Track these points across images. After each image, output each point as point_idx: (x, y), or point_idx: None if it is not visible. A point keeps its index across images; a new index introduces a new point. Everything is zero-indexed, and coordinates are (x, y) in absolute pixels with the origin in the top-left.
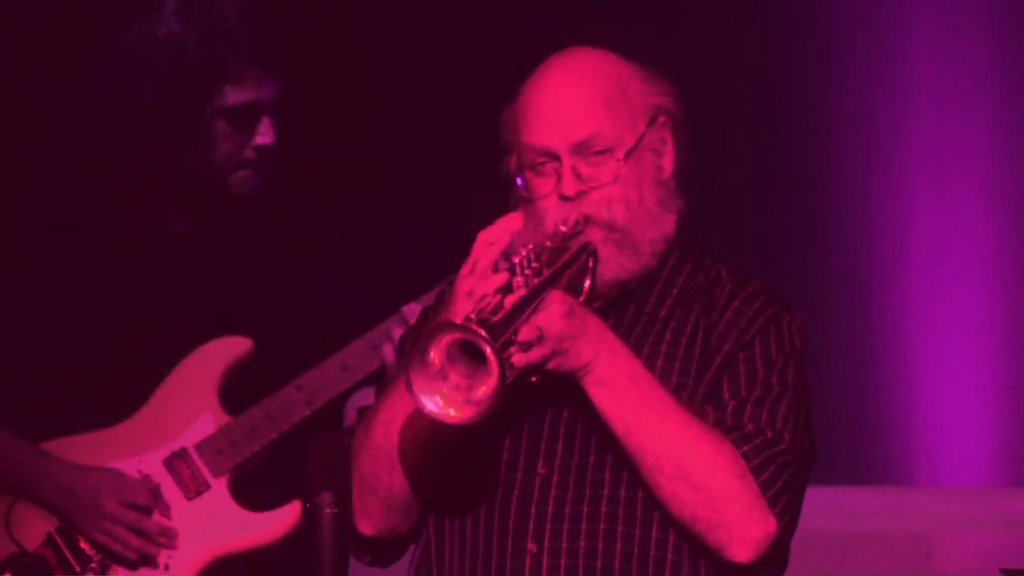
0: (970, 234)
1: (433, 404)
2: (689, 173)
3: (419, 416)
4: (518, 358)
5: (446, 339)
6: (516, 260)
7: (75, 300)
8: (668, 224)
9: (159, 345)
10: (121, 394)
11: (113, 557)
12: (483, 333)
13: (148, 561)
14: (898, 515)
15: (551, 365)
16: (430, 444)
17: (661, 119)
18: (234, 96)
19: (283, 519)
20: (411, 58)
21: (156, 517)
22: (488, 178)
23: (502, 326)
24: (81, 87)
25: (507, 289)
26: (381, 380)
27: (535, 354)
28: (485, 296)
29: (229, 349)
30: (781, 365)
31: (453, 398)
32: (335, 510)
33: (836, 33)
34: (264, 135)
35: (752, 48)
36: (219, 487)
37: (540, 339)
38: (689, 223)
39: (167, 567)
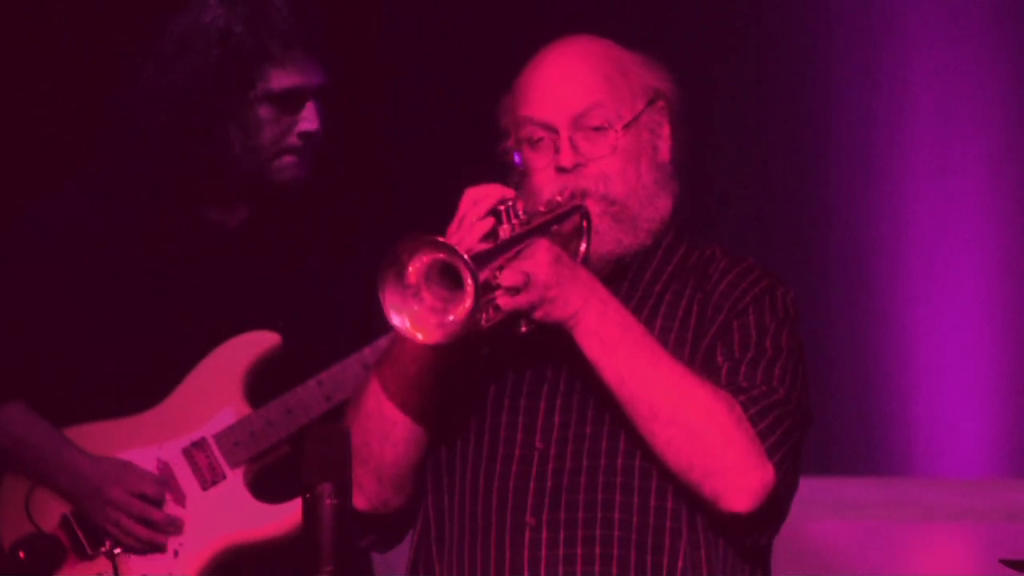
0: (969, 226)
1: (401, 321)
2: (685, 160)
3: (410, 385)
4: (504, 301)
5: (427, 257)
6: (503, 208)
7: (112, 291)
8: (664, 205)
9: (191, 336)
10: (150, 383)
11: (120, 545)
12: (465, 257)
13: (158, 547)
14: (897, 506)
15: (539, 314)
16: (420, 413)
17: (659, 103)
18: (279, 80)
19: (293, 512)
20: (425, 53)
21: (168, 506)
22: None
23: (485, 258)
24: (130, 77)
25: (494, 237)
26: None
27: (522, 299)
28: (473, 242)
29: (256, 343)
30: (774, 330)
31: (424, 319)
32: (335, 501)
33: (837, 21)
34: (308, 121)
35: (752, 34)
36: (235, 478)
37: (527, 285)
38: (685, 208)
39: (177, 554)
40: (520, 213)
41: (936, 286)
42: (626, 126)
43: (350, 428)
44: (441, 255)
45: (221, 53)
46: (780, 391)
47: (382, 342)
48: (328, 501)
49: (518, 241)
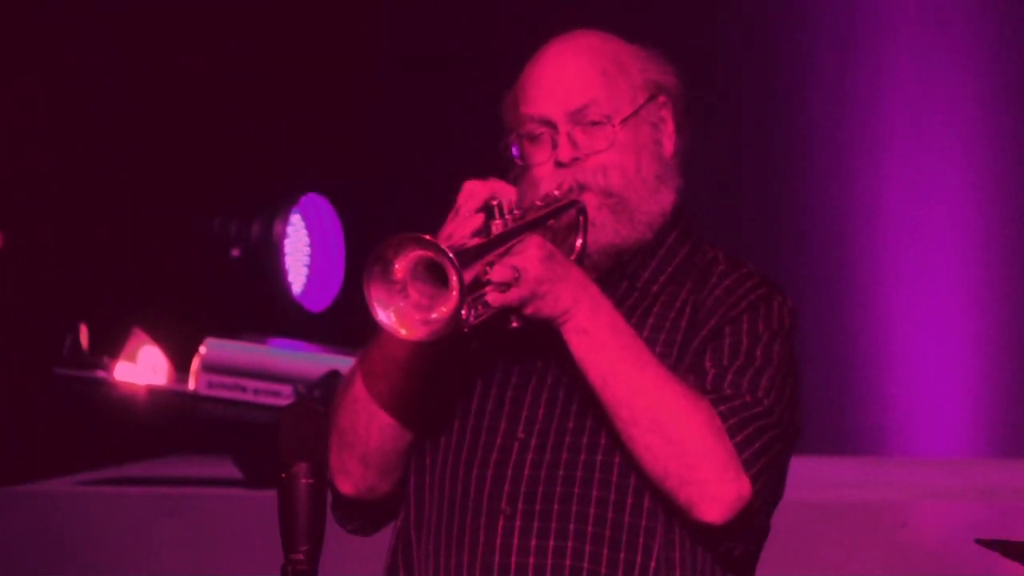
0: (945, 208)
1: (386, 316)
2: (689, 155)
3: (397, 369)
4: (494, 297)
5: (413, 254)
6: (495, 203)
7: None
8: (666, 200)
9: None
10: None
11: None
12: (450, 255)
13: None
14: (874, 486)
15: (529, 310)
16: (408, 398)
17: (661, 98)
18: None
19: None
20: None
21: None
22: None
23: (473, 254)
24: None
25: (486, 233)
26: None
27: (512, 295)
28: (463, 237)
29: None
30: (767, 340)
31: (409, 315)
32: (310, 481)
33: (812, 10)
34: None
35: (727, 29)
36: None
37: (517, 280)
38: (689, 205)
39: None
40: (514, 209)
41: (912, 268)
42: (624, 120)
43: (337, 410)
44: (428, 252)
45: None
46: (764, 402)
47: None
48: (304, 481)
49: (509, 237)
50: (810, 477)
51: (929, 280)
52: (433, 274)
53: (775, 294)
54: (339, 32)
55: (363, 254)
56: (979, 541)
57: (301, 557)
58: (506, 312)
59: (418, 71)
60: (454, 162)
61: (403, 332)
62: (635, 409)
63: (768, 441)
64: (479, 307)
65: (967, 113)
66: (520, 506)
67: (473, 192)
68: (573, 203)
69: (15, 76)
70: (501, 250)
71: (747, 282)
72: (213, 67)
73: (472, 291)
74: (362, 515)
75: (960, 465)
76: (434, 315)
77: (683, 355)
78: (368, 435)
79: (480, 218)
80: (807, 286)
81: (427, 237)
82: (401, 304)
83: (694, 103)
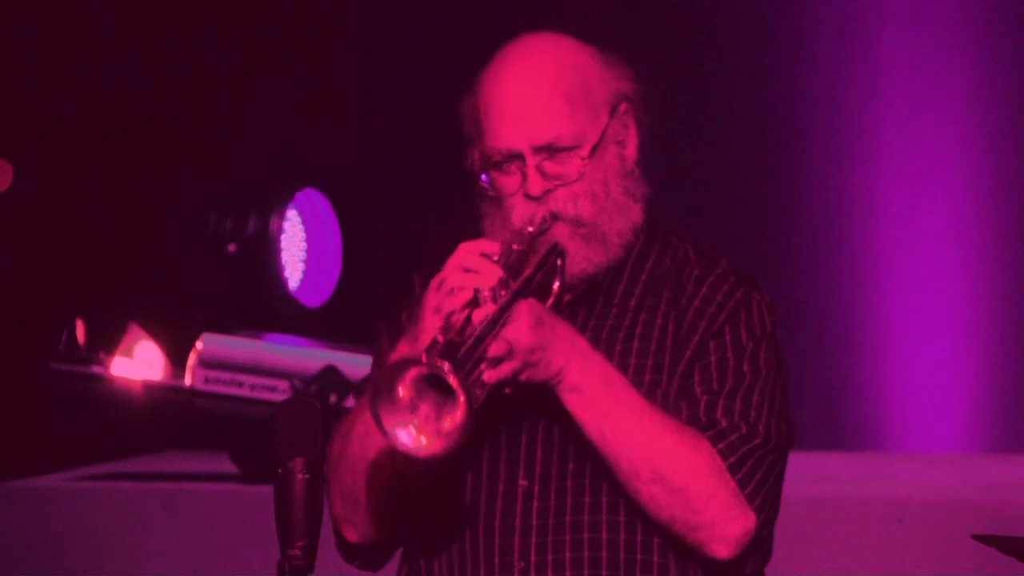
0: (941, 205)
1: (406, 437)
2: (653, 155)
3: None
4: (488, 375)
5: (412, 374)
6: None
7: None
8: (635, 214)
9: None
10: None
11: None
12: (446, 367)
13: None
14: (870, 481)
15: (523, 377)
16: (405, 456)
17: (623, 107)
18: None
19: None
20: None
21: None
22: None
23: (470, 351)
24: None
25: (474, 303)
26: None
27: (506, 369)
28: (452, 312)
29: None
30: (752, 350)
31: (424, 430)
32: (306, 476)
33: (807, 7)
34: None
35: (723, 25)
36: None
37: (510, 353)
38: (656, 208)
39: None
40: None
41: (908, 264)
42: (592, 150)
43: (336, 466)
44: (425, 370)
45: None
46: (759, 428)
47: None
48: (300, 476)
49: (500, 316)
50: (806, 473)
51: (925, 276)
52: (434, 384)
53: (752, 294)
54: (339, 28)
55: (359, 249)
56: (976, 537)
57: (297, 552)
58: (502, 385)
59: (418, 67)
60: (452, 158)
61: (424, 447)
62: (635, 461)
63: (767, 470)
64: (477, 391)
65: (963, 110)
66: (533, 558)
67: (465, 268)
68: (552, 248)
69: (15, 75)
70: (495, 331)
71: (723, 286)
72: (210, 62)
73: (469, 374)
74: (367, 555)
75: (957, 461)
76: (446, 425)
77: (672, 377)
78: (371, 491)
79: (469, 293)
80: (804, 282)
81: (426, 360)
82: (414, 421)
83: (689, 104)
